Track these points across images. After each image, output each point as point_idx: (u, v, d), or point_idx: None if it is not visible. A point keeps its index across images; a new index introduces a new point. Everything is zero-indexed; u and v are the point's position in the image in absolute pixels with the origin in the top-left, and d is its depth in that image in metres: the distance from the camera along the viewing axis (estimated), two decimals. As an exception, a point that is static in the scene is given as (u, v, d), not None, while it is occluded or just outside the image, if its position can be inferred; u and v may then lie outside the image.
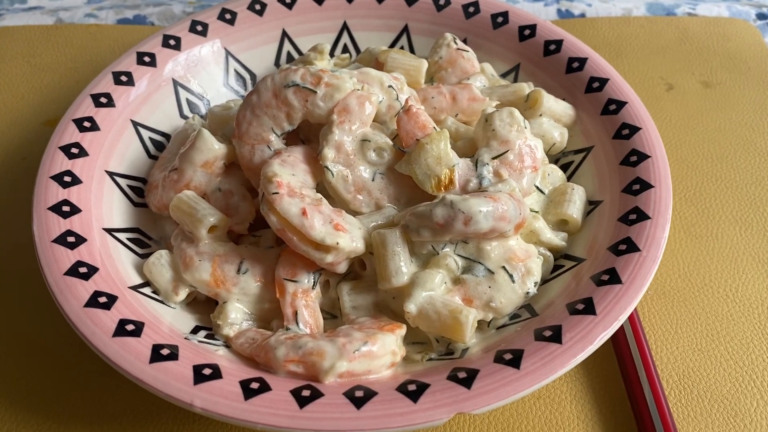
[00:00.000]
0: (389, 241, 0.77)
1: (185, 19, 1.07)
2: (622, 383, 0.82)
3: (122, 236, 0.86)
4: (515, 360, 0.69)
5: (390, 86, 0.88)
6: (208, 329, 0.80)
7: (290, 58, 1.11)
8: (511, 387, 0.66)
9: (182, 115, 1.03)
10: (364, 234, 0.80)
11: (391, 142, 0.84)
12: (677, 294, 0.91)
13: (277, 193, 0.77)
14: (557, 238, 0.85)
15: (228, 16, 1.08)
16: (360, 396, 0.67)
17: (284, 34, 1.11)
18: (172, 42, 1.04)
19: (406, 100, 0.86)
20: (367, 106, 0.84)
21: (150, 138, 0.98)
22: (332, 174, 0.82)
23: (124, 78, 0.98)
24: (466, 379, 0.68)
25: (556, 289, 0.80)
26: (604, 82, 0.97)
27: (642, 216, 0.81)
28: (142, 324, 0.73)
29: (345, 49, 1.13)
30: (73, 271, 0.76)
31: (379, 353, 0.71)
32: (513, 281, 0.78)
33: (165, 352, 0.70)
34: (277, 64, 1.11)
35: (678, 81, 1.23)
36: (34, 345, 0.85)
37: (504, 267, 0.78)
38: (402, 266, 0.77)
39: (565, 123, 0.97)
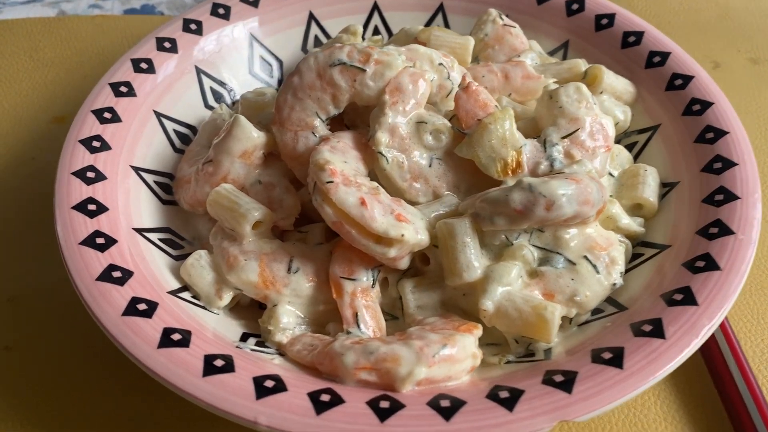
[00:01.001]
0: (458, 232, 0.69)
1: (207, 1, 0.99)
2: (710, 379, 0.75)
3: (153, 236, 0.78)
4: (616, 359, 0.61)
5: (440, 64, 0.81)
6: (257, 336, 0.72)
7: (318, 43, 1.03)
8: (617, 389, 0.59)
9: (207, 105, 0.94)
10: (427, 225, 0.72)
11: (449, 124, 0.76)
12: (757, 282, 0.84)
13: (332, 181, 0.69)
14: (635, 224, 0.77)
15: (251, -1, 1.00)
16: (447, 406, 0.59)
17: (311, 17, 1.03)
18: (193, 26, 0.96)
19: (464, 77, 0.79)
20: (421, 84, 0.76)
21: (174, 130, 0.90)
22: (387, 160, 0.74)
23: (144, 65, 0.90)
24: (565, 383, 0.60)
25: (641, 279, 0.72)
26: (665, 56, 0.90)
27: (730, 196, 0.74)
28: (189, 333, 0.65)
29: (376, 31, 1.05)
30: (106, 276, 0.68)
31: (459, 357, 0.63)
32: (597, 272, 0.70)
33: (219, 363, 0.62)
34: (304, 48, 1.03)
35: (724, 59, 1.16)
36: (63, 358, 0.77)
37: (586, 257, 0.71)
38: (473, 259, 0.69)
39: (626, 101, 0.89)
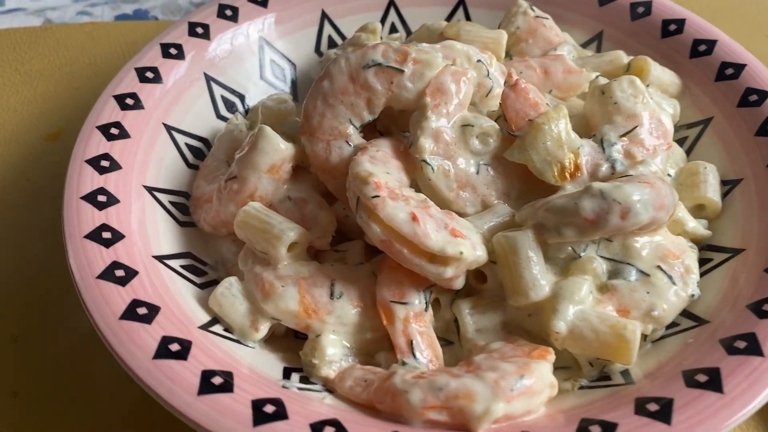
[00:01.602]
0: (521, 246, 0.62)
1: (211, 3, 0.91)
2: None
3: (174, 264, 0.70)
4: (713, 382, 0.55)
5: (479, 60, 0.74)
6: (299, 370, 0.65)
7: (332, 44, 0.96)
8: (721, 416, 0.53)
9: (219, 116, 0.87)
10: (482, 239, 0.65)
11: (497, 126, 0.70)
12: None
13: (378, 196, 0.62)
14: (701, 227, 0.71)
15: (260, -2, 0.93)
16: (534, 447, 0.52)
17: (324, 16, 0.96)
18: (199, 30, 0.88)
19: (509, 74, 0.72)
20: (465, 83, 0.69)
21: (186, 144, 0.82)
22: (432, 169, 0.67)
23: (150, 74, 0.82)
24: (661, 412, 0.53)
25: (715, 288, 0.66)
26: (711, 44, 0.84)
27: (807, 193, 0.68)
28: (230, 374, 0.57)
29: (393, 29, 0.98)
30: (131, 314, 0.60)
31: (538, 388, 0.56)
32: (674, 283, 0.64)
33: (270, 409, 0.54)
34: (318, 50, 0.96)
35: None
36: (75, 404, 0.69)
37: (659, 266, 0.64)
38: (540, 276, 0.62)
39: (672, 93, 0.84)
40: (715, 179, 0.74)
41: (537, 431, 0.54)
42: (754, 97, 0.78)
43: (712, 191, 0.73)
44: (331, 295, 0.65)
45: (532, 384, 0.56)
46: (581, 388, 0.62)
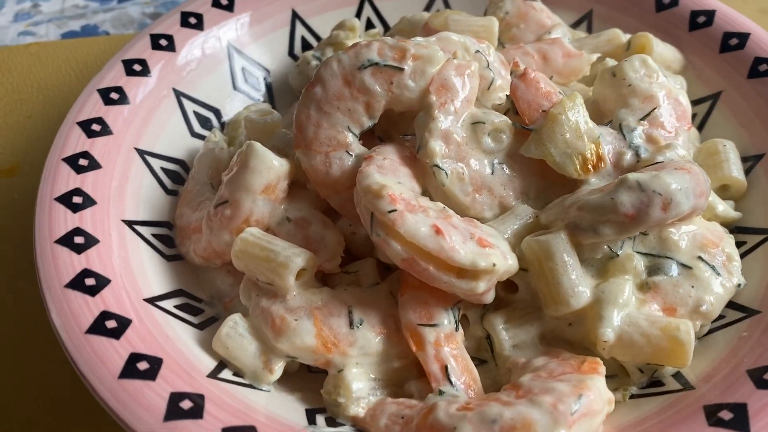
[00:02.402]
0: (556, 250, 0.57)
1: (173, 11, 0.83)
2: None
3: (167, 305, 0.63)
4: (785, 380, 0.50)
5: (477, 51, 0.68)
6: (322, 411, 0.58)
7: (306, 45, 0.89)
8: (802, 419, 0.48)
9: (193, 134, 0.79)
10: (509, 246, 0.59)
11: (509, 121, 0.64)
12: None
13: (395, 210, 0.56)
14: (730, 209, 0.67)
15: (224, 2, 0.85)
16: (607, 476, 0.47)
17: (294, 16, 0.89)
18: (163, 42, 0.80)
19: (515, 63, 0.66)
20: (469, 77, 0.64)
21: (162, 168, 0.75)
22: (446, 174, 0.61)
23: (114, 95, 0.74)
24: (737, 420, 0.49)
25: (757, 274, 0.62)
26: (710, 14, 0.80)
27: (838, 163, 0.64)
28: (253, 429, 0.51)
29: (369, 24, 0.92)
30: (130, 371, 0.53)
31: (597, 407, 0.51)
32: (718, 273, 0.59)
33: (306, 466, 0.48)
34: (291, 54, 0.89)
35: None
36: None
37: (700, 257, 0.60)
38: (579, 281, 0.57)
39: (675, 70, 0.79)
40: (736, 156, 0.70)
41: (605, 456, 0.49)
42: (764, 67, 0.74)
43: (735, 170, 0.69)
44: (351, 324, 0.59)
45: (591, 403, 0.51)
46: (632, 397, 0.57)
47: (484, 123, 0.63)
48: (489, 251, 0.56)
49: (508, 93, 0.68)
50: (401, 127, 0.67)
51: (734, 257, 0.61)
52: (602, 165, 0.62)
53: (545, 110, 0.63)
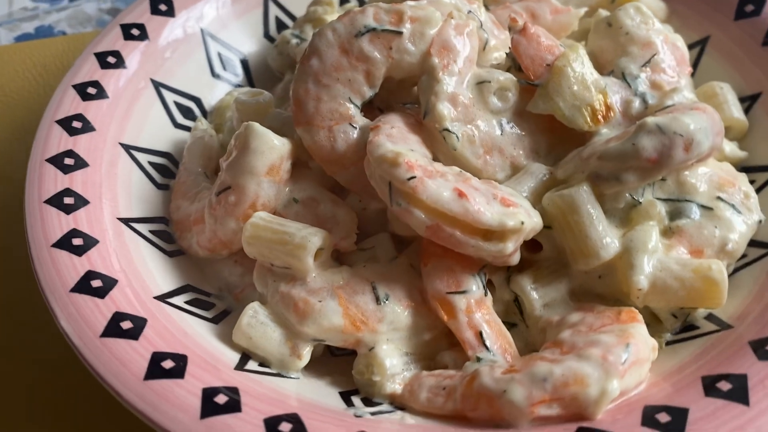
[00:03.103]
0: (580, 203, 0.56)
1: (140, 0, 0.79)
2: None
3: (178, 301, 0.60)
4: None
5: (469, 12, 0.67)
6: (355, 392, 0.56)
7: (281, 26, 0.86)
8: None
9: (176, 125, 0.76)
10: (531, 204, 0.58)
11: (514, 78, 0.62)
12: None
13: (414, 177, 0.54)
14: (737, 149, 0.67)
15: (193, -14, 0.82)
16: (668, 421, 0.46)
17: (267, -4, 0.86)
18: (135, 32, 0.76)
19: (512, 19, 0.65)
20: (469, 36, 0.62)
21: (150, 163, 0.71)
22: (457, 138, 0.60)
23: (92, 90, 0.70)
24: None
25: (773, 209, 0.62)
26: (688, -42, 0.80)
27: (838, 92, 0.65)
28: (296, 416, 0.48)
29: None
30: (155, 371, 0.49)
31: (645, 355, 0.50)
32: (739, 212, 0.59)
33: (359, 447, 0.46)
34: (267, 35, 0.85)
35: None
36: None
37: (719, 197, 0.59)
38: (605, 232, 0.56)
39: (661, 18, 0.78)
40: (734, 98, 0.70)
41: (660, 401, 0.48)
42: (750, 7, 0.74)
43: (735, 110, 0.69)
44: (377, 300, 0.57)
45: (639, 350, 0.50)
46: (668, 344, 0.56)
47: (490, 82, 0.61)
48: (514, 210, 0.55)
49: (504, 52, 0.67)
50: (400, 96, 0.65)
51: (751, 194, 0.61)
52: (612, 115, 0.61)
53: (549, 64, 0.62)
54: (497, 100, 0.62)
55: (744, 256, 0.60)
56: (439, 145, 0.61)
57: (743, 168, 0.67)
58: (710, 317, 0.57)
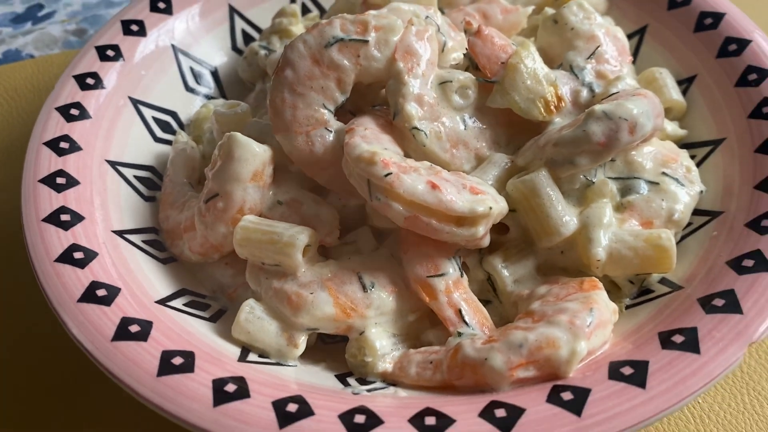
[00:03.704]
0: (540, 187, 0.62)
1: (112, 21, 0.83)
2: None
3: (178, 304, 0.64)
4: (760, 263, 0.57)
5: (427, 17, 0.72)
6: (349, 374, 0.61)
7: (248, 38, 0.90)
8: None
9: (157, 139, 0.80)
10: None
11: (473, 77, 0.68)
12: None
13: (391, 173, 0.59)
14: (677, 128, 0.74)
15: (161, 5, 0.85)
16: (631, 373, 0.52)
17: (232, 11, 0.90)
18: (110, 53, 0.80)
19: (467, 22, 0.70)
20: (429, 40, 0.67)
21: (136, 177, 0.75)
22: (426, 135, 0.65)
23: (74, 111, 0.74)
24: (729, 305, 0.55)
25: (714, 180, 0.69)
26: (624, -44, 0.86)
27: (763, 72, 0.71)
28: (301, 398, 0.53)
29: (305, 9, 0.93)
30: (168, 368, 0.54)
31: (607, 317, 0.56)
32: (682, 184, 0.66)
33: (360, 419, 0.51)
34: (235, 48, 0.90)
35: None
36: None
37: (664, 173, 0.66)
38: (564, 211, 0.62)
39: (602, 12, 0.85)
40: (672, 81, 0.77)
41: (621, 357, 0.54)
42: (680, -4, 0.81)
43: (674, 93, 0.75)
44: (364, 288, 0.62)
45: (602, 314, 0.56)
46: (627, 307, 0.63)
47: (451, 81, 0.67)
48: (482, 197, 0.60)
49: (461, 53, 0.73)
50: (370, 99, 0.70)
51: (692, 168, 0.68)
52: (563, 105, 0.67)
53: (504, 62, 0.67)
54: (459, 98, 0.67)
55: (689, 224, 0.67)
56: (409, 142, 0.66)
57: (684, 144, 0.74)
58: (663, 281, 0.63)
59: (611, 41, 0.72)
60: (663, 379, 0.51)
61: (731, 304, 0.55)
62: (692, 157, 0.72)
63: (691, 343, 0.53)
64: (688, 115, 0.76)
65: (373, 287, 0.62)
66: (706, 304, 0.56)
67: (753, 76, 0.72)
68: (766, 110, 0.69)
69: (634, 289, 0.64)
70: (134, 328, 0.57)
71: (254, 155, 0.65)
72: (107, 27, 0.82)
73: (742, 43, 0.74)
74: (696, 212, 0.67)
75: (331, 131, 0.66)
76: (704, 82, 0.76)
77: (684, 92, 0.77)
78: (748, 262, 0.58)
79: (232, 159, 0.64)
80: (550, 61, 0.73)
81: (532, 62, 0.67)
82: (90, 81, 0.77)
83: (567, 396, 0.51)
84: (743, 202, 0.64)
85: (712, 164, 0.70)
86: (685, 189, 0.65)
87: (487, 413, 0.51)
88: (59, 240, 0.62)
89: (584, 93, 0.68)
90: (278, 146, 0.67)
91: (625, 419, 0.49)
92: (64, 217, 0.64)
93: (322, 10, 0.94)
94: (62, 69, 0.88)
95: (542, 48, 0.75)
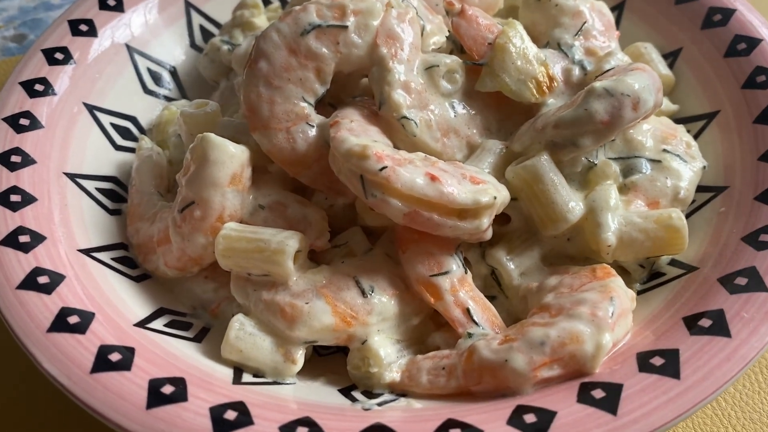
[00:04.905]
0: (543, 172, 0.58)
1: (59, 21, 0.76)
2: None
3: (158, 326, 0.58)
4: (780, 238, 0.55)
5: (403, 0, 0.67)
6: (353, 388, 0.56)
7: (207, 34, 0.84)
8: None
9: (117, 147, 0.73)
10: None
11: (460, 60, 0.64)
12: None
13: (386, 167, 0.54)
14: (669, 103, 0.71)
15: (111, 2, 0.79)
16: (661, 363, 0.49)
17: (188, 5, 0.84)
18: (59, 56, 0.73)
19: (449, 3, 0.66)
20: (411, 23, 0.63)
21: (97, 189, 0.69)
22: (416, 124, 0.61)
23: (24, 121, 0.67)
24: (752, 283, 0.53)
25: (715, 155, 0.66)
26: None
27: (752, 41, 0.69)
28: (310, 420, 0.48)
29: (266, 1, 0.88)
30: (158, 399, 0.48)
31: (627, 306, 0.53)
32: (684, 160, 0.63)
33: (378, 439, 0.46)
34: (194, 45, 0.84)
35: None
36: None
37: (665, 150, 0.63)
38: (569, 196, 0.58)
39: (578, -12, 0.82)
40: (658, 55, 0.74)
41: (646, 347, 0.51)
42: (660, -30, 0.78)
43: (662, 67, 0.73)
44: (363, 293, 0.57)
45: (622, 302, 0.52)
46: (638, 293, 0.60)
47: (438, 66, 0.63)
48: (484, 187, 0.56)
49: (441, 37, 0.68)
50: (350, 90, 0.66)
51: (692, 143, 0.65)
52: (555, 85, 0.64)
53: (491, 42, 0.64)
54: (447, 83, 0.63)
55: (693, 201, 0.64)
56: (397, 133, 0.62)
57: (676, 120, 0.71)
58: (673, 262, 0.60)
59: (597, 16, 0.69)
60: (697, 367, 0.48)
61: (755, 281, 0.52)
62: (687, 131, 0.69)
63: (720, 326, 0.50)
64: (676, 89, 0.74)
65: (372, 291, 0.57)
66: (728, 283, 0.53)
67: (742, 46, 0.70)
68: (760, 79, 0.67)
69: (644, 274, 0.61)
70: (115, 357, 0.51)
71: (231, 157, 0.59)
72: (53, 28, 0.75)
73: (727, 13, 0.72)
74: (699, 189, 0.64)
75: (313, 126, 0.61)
76: (691, 54, 0.73)
77: (670, 66, 0.75)
78: (766, 237, 0.55)
79: (207, 162, 0.59)
80: (536, 40, 0.69)
81: (521, 41, 0.63)
82: (39, 87, 0.70)
83: (598, 394, 0.47)
84: (748, 175, 0.61)
85: (709, 138, 0.68)
86: (688, 165, 0.63)
87: (515, 419, 0.47)
88: (20, 264, 0.56)
89: (576, 71, 0.65)
90: (255, 146, 0.62)
91: (664, 413, 0.45)
92: (23, 239, 0.58)
93: (283, 2, 0.88)
94: (4, 77, 0.81)
95: (526, 27, 0.70)
